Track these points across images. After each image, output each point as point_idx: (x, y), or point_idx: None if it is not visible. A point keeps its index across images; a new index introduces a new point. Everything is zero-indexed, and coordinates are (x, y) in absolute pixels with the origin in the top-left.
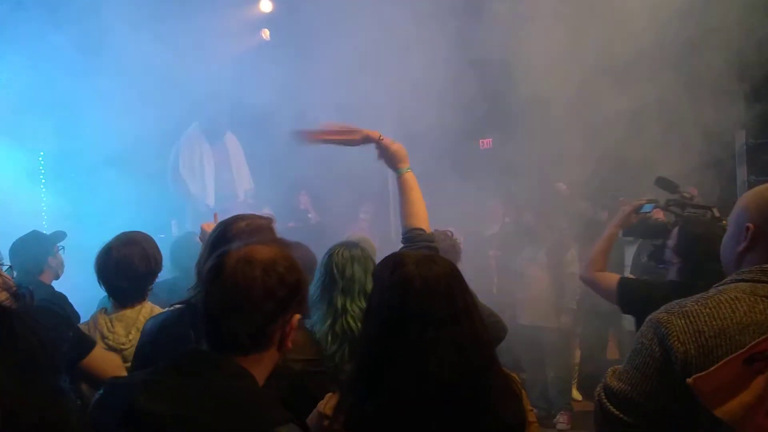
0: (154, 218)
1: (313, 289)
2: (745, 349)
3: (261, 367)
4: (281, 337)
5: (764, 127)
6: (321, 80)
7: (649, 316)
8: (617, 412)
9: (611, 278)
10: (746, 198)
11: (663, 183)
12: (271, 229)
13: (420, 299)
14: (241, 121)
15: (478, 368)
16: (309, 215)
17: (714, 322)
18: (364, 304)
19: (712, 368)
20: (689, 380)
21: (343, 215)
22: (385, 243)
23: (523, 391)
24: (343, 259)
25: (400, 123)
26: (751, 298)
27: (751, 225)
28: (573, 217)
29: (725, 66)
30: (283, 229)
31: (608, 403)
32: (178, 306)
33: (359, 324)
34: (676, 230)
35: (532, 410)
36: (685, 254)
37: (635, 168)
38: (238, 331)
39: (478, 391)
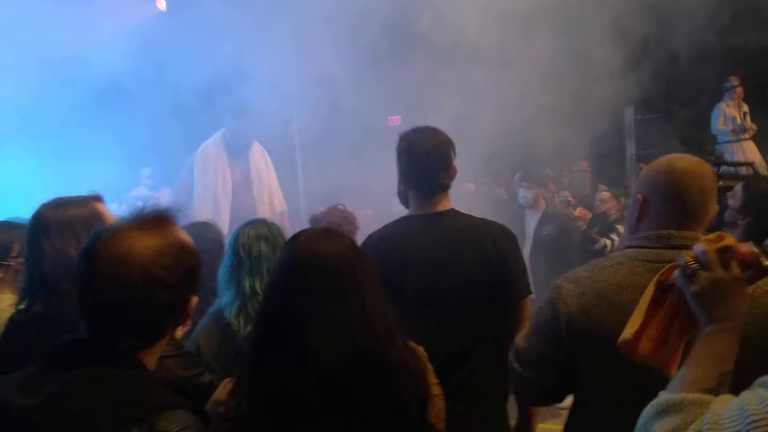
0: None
1: (221, 272)
2: (651, 289)
3: (153, 352)
4: (177, 322)
5: (650, 103)
6: (220, 49)
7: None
8: (520, 368)
9: None
10: (642, 172)
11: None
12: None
13: (305, 275)
14: (134, 96)
15: (367, 348)
16: None
17: (596, 285)
18: None
19: (638, 327)
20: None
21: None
22: (295, 221)
23: (428, 365)
24: (249, 238)
25: (306, 94)
26: (633, 263)
27: (640, 196)
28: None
29: (614, 45)
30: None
31: (514, 361)
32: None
33: None
34: (739, 189)
35: (437, 383)
36: (754, 213)
37: (529, 144)
38: (123, 338)
39: (366, 370)
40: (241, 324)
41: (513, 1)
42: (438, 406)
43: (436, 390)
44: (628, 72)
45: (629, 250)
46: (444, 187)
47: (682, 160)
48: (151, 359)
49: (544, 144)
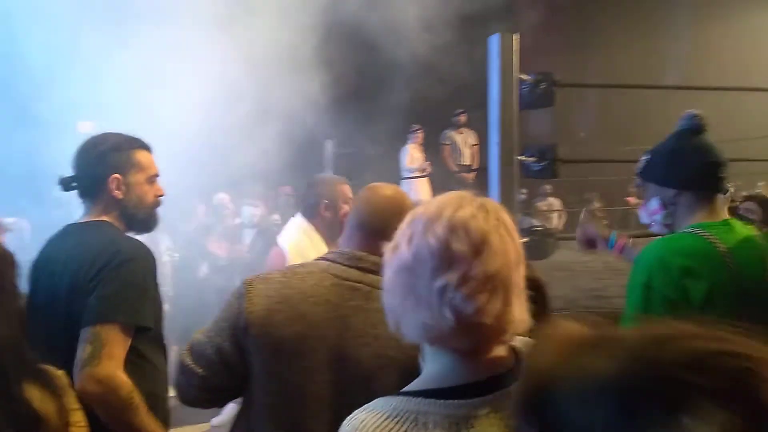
0: None
1: None
2: None
3: None
4: None
5: (347, 138)
6: None
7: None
8: (191, 363)
9: None
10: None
11: None
12: None
13: None
14: None
15: None
16: None
17: (284, 290)
18: None
19: None
20: None
21: None
22: None
23: (68, 390)
24: None
25: None
26: (323, 274)
27: (346, 214)
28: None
29: (318, 82)
30: None
31: (187, 355)
32: None
33: None
34: (754, 205)
35: (77, 409)
36: None
37: (241, 173)
38: None
39: None
40: None
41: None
42: None
43: (77, 416)
44: (329, 110)
45: (323, 261)
46: (82, 190)
47: (382, 189)
48: None
49: (251, 168)
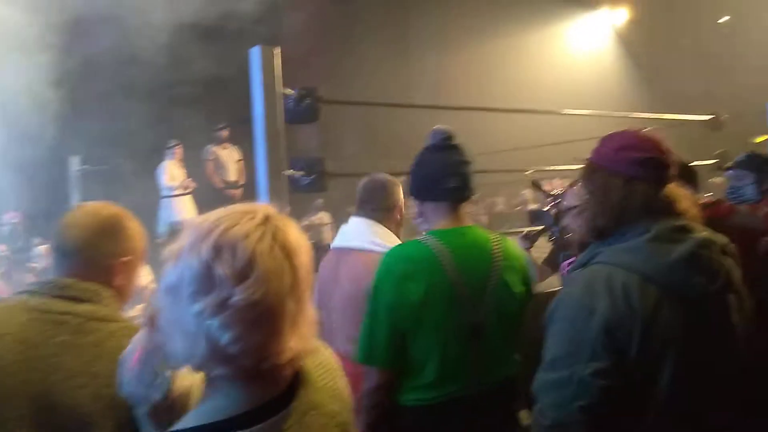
0: None
1: None
2: None
3: None
4: None
5: (96, 154)
6: None
7: None
8: None
9: None
10: None
11: (536, 184)
12: None
13: None
14: None
15: None
16: None
17: None
18: None
19: None
20: None
21: None
22: None
23: None
24: None
25: None
26: (18, 309)
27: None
28: None
29: (58, 88)
30: None
31: None
32: None
33: None
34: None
35: None
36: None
37: None
38: None
39: None
40: None
41: None
42: None
43: None
44: (75, 121)
45: (23, 294)
46: None
47: (90, 208)
48: None
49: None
